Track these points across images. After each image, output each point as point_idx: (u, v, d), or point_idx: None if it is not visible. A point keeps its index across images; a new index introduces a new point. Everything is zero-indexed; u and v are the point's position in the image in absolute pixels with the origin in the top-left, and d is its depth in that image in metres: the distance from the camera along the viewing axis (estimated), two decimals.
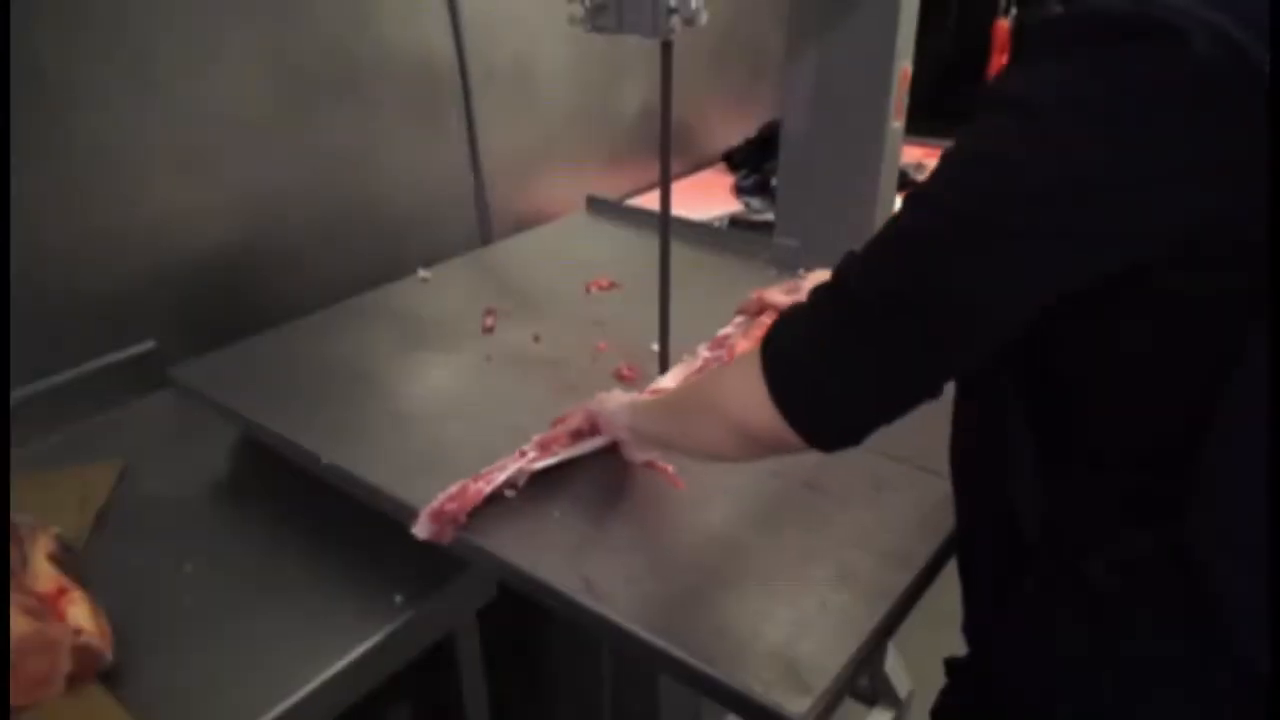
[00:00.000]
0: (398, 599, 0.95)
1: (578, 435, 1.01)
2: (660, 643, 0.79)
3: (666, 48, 1.01)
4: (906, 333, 0.64)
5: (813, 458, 0.71)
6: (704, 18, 0.96)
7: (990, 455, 0.77)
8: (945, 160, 0.63)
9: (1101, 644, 0.72)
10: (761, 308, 1.21)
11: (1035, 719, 0.76)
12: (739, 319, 1.24)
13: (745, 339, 1.20)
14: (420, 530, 0.91)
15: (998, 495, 0.77)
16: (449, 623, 1.01)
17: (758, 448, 0.75)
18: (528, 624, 0.88)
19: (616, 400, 0.99)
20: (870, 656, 0.80)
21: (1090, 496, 0.72)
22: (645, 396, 1.01)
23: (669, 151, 1.07)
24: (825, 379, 0.67)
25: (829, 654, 0.77)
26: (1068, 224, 0.58)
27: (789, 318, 0.71)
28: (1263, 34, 0.54)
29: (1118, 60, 0.56)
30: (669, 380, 1.13)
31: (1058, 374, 0.70)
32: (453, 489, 0.93)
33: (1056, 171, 0.58)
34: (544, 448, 0.99)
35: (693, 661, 0.77)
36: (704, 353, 1.18)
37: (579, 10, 1.02)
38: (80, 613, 0.83)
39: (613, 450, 1.01)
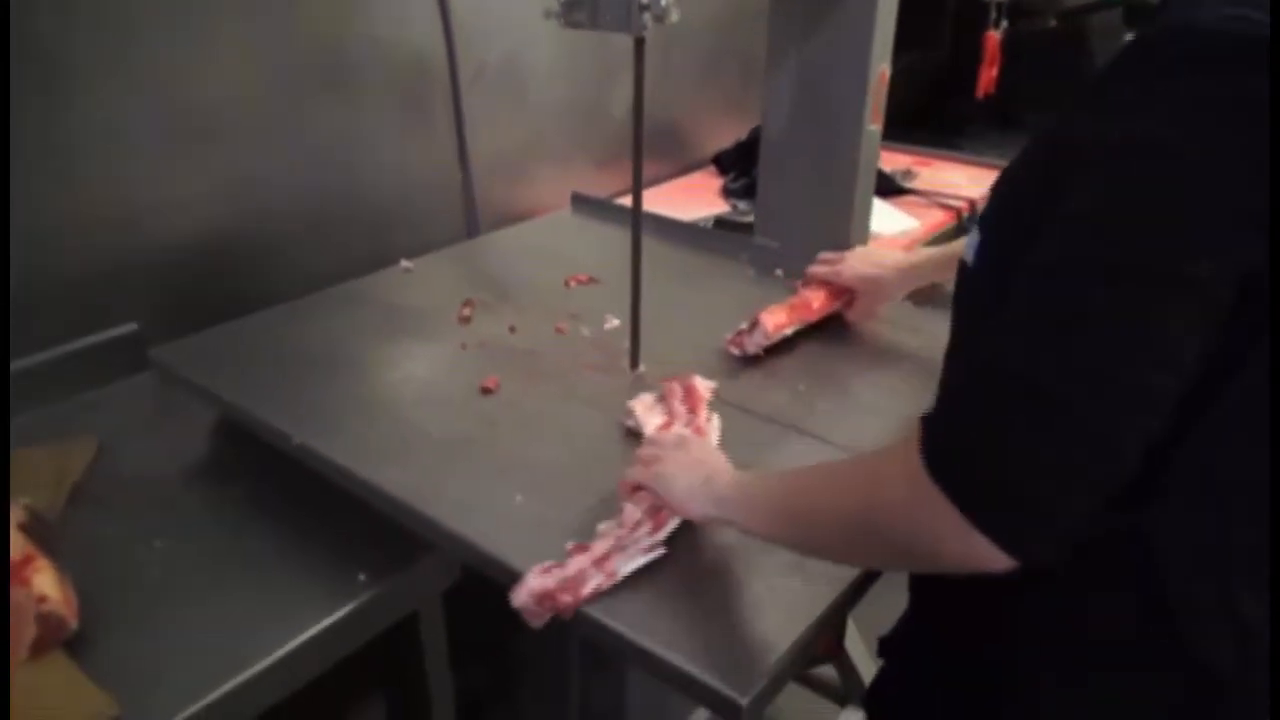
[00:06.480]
0: (361, 577, 0.96)
1: (655, 513, 0.89)
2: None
3: (639, 44, 1.03)
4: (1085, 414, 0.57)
5: None
6: (674, 15, 0.98)
7: None
8: (1064, 225, 0.60)
9: (1055, 620, 0.73)
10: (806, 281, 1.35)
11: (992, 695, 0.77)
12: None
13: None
14: (518, 599, 0.83)
15: None
16: (412, 602, 1.03)
17: (930, 566, 0.67)
18: (496, 611, 0.89)
19: (678, 477, 0.87)
20: (813, 641, 0.81)
21: None
22: (712, 464, 0.88)
23: (641, 147, 1.09)
24: (1009, 476, 0.58)
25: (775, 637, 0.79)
26: (1213, 268, 0.56)
27: (940, 419, 0.63)
28: None
29: (1215, 94, 0.56)
30: (644, 409, 1.09)
31: None
32: (566, 570, 0.84)
33: (1203, 209, 0.56)
34: (634, 531, 0.88)
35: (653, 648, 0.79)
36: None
37: (554, 4, 1.04)
38: (45, 581, 0.85)
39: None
